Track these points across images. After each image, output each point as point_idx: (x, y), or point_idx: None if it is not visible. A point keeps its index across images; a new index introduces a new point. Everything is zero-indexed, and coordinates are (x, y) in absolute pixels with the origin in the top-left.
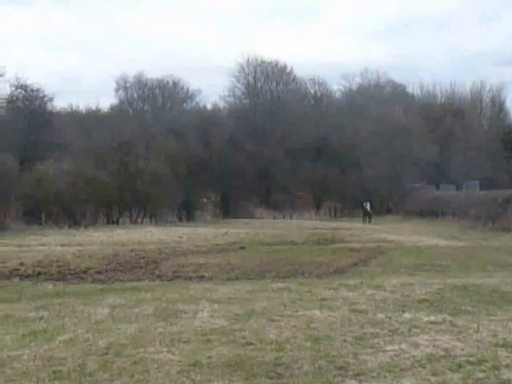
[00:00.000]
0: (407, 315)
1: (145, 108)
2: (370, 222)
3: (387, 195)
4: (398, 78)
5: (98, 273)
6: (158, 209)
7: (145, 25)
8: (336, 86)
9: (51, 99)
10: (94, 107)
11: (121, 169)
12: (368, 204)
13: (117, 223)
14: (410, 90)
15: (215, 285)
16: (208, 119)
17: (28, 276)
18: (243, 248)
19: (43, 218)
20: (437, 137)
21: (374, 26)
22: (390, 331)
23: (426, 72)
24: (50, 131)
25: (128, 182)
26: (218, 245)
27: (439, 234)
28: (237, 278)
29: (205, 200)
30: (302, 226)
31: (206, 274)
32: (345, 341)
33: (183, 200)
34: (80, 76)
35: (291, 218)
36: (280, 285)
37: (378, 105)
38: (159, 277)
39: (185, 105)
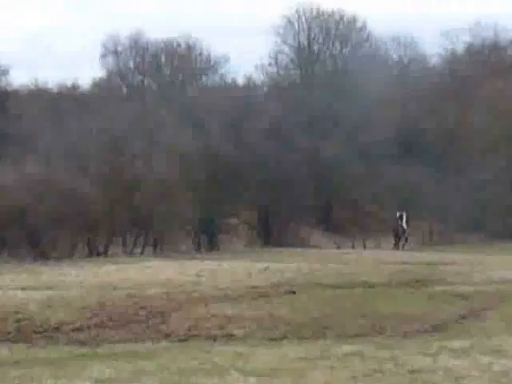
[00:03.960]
0: None
1: (145, 83)
2: (404, 243)
3: (509, 211)
4: None
5: (77, 330)
6: (165, 233)
7: None
8: (432, 49)
9: (6, 71)
10: (69, 83)
11: (111, 175)
12: (404, 216)
13: (104, 254)
14: None
15: (251, 348)
16: (239, 101)
17: None
18: (292, 292)
19: None
20: None
21: None
22: None
23: None
24: (4, 118)
25: (121, 193)
26: (255, 287)
27: None
28: (283, 338)
29: (235, 220)
30: (382, 259)
31: (237, 332)
32: None
33: (203, 220)
34: (49, 38)
35: (365, 248)
36: (348, 348)
37: (498, 77)
38: (167, 336)
39: (204, 79)
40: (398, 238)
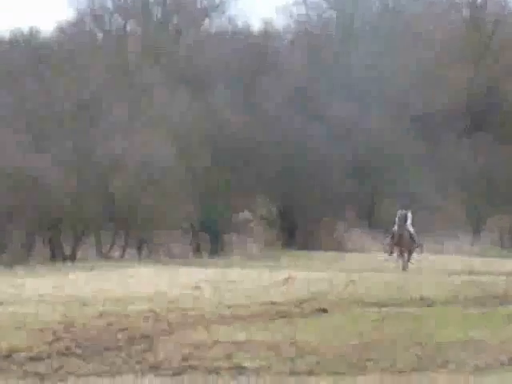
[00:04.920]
0: None
1: (127, 30)
2: (408, 257)
3: None
4: None
5: (34, 359)
6: (152, 231)
7: None
8: None
9: None
10: (25, 29)
11: (79, 154)
12: (408, 217)
13: (72, 259)
14: None
15: None
16: (253, 53)
17: None
18: (323, 311)
19: None
20: None
21: None
22: None
23: None
24: None
25: (93, 179)
26: (274, 304)
27: None
28: (310, 373)
29: (247, 215)
30: (444, 267)
31: (249, 364)
32: None
33: (204, 215)
34: None
35: (422, 251)
36: None
37: None
38: (155, 368)
39: (206, 23)
40: (401, 247)
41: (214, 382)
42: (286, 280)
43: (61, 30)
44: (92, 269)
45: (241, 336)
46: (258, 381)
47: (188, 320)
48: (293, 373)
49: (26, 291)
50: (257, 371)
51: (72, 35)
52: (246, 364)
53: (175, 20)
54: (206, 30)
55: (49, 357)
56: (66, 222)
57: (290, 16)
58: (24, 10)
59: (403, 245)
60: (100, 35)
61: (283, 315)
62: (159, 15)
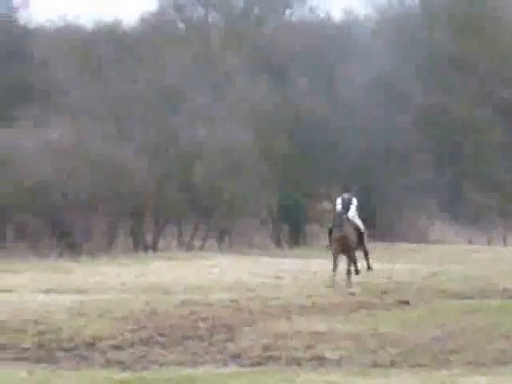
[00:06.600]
0: None
1: (209, 20)
2: (367, 262)
3: None
4: None
5: (116, 348)
6: (234, 221)
7: None
8: None
9: (25, 2)
10: (109, 20)
11: (162, 141)
12: (352, 203)
13: (154, 248)
14: None
15: (347, 377)
16: (334, 42)
17: None
18: (405, 303)
19: (8, 238)
20: None
21: None
22: None
23: None
24: (22, 65)
25: (175, 167)
26: (355, 295)
27: None
28: (391, 365)
29: (327, 204)
30: None
31: (330, 355)
32: None
33: (283, 204)
34: None
35: (506, 244)
36: (483, 381)
37: None
38: (236, 358)
39: (288, 13)
40: (341, 247)
41: (295, 374)
42: (368, 271)
43: (143, 20)
44: (173, 258)
45: (322, 326)
46: (339, 372)
47: (269, 310)
48: (374, 365)
49: (108, 280)
50: (338, 363)
51: (155, 26)
52: (327, 355)
53: (257, 10)
54: (287, 19)
55: (131, 345)
56: (148, 211)
57: (373, 5)
58: (107, 2)
59: (344, 244)
60: (182, 26)
61: (364, 306)
62: (241, 5)
